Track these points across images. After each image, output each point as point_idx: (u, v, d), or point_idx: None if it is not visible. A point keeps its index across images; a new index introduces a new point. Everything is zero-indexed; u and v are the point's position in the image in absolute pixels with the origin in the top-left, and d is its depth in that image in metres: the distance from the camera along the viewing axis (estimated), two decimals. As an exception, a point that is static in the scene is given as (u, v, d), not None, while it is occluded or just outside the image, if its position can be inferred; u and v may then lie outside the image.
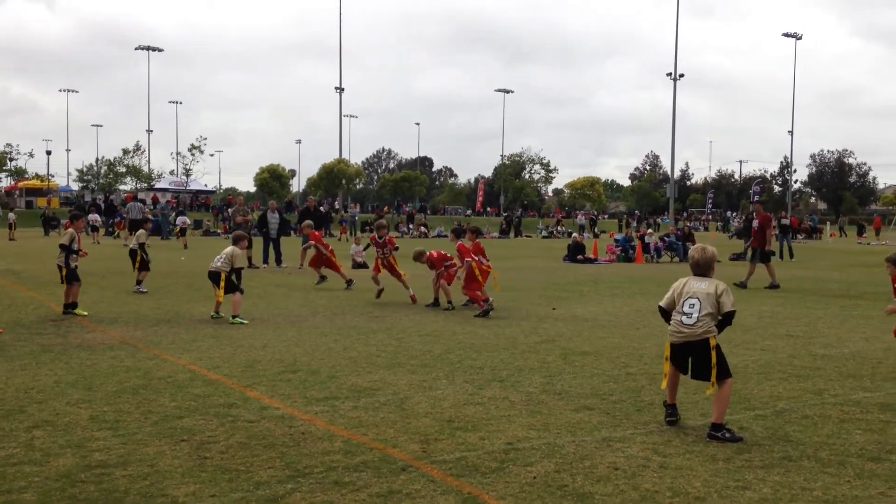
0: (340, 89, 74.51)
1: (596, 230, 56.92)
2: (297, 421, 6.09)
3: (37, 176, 75.93)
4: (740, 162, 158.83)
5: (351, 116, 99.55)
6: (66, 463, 5.01)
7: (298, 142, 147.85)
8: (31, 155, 77.40)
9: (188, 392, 6.97)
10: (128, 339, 9.70)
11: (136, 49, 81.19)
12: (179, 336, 10.03)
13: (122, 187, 75.67)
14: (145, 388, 7.09)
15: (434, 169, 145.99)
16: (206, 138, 75.02)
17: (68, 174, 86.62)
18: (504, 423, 6.11)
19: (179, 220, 40.49)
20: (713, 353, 5.84)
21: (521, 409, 6.53)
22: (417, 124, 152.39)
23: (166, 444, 5.43)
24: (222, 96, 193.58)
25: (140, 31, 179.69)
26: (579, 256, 27.01)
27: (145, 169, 75.14)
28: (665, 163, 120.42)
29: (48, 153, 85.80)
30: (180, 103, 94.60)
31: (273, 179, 77.52)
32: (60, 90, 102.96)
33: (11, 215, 41.87)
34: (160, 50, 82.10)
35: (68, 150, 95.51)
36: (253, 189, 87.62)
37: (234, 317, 11.25)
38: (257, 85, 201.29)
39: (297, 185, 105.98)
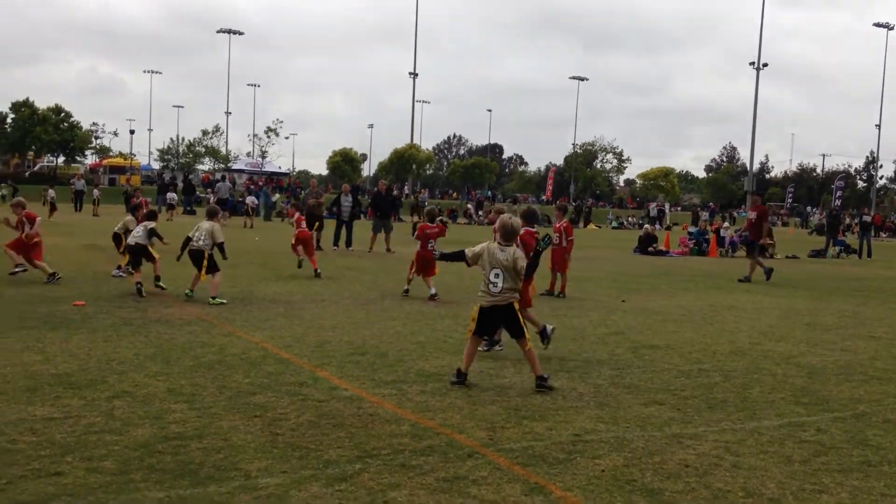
0: (414, 74, 74.87)
1: (667, 222, 55.85)
2: (365, 402, 6.16)
3: (120, 154, 78.57)
4: (823, 156, 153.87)
5: (423, 102, 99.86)
6: (144, 433, 5.18)
7: (371, 126, 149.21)
8: (115, 134, 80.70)
9: (261, 369, 7.12)
10: (204, 316, 9.96)
11: (217, 32, 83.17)
12: (253, 314, 10.25)
13: (200, 167, 77.76)
14: (220, 364, 7.28)
15: (504, 156, 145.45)
16: (281, 121, 76.59)
17: (150, 153, 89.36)
18: (572, 414, 6.06)
19: (249, 199, 41.21)
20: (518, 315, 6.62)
21: (588, 401, 6.46)
22: (489, 111, 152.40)
23: (240, 420, 5.57)
24: (299, 80, 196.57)
25: (224, 14, 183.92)
26: (651, 248, 26.56)
27: (223, 150, 76.99)
28: (743, 155, 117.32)
29: (131, 132, 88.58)
30: (258, 86, 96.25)
31: (345, 163, 78.44)
32: (145, 71, 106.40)
33: (96, 192, 43.45)
34: (241, 33, 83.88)
35: (150, 130, 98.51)
36: (325, 172, 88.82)
37: (212, 297, 11.06)
38: (333, 69, 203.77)
39: (368, 169, 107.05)
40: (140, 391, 6.23)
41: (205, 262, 11.39)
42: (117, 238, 14.34)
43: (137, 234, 12.57)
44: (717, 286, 16.24)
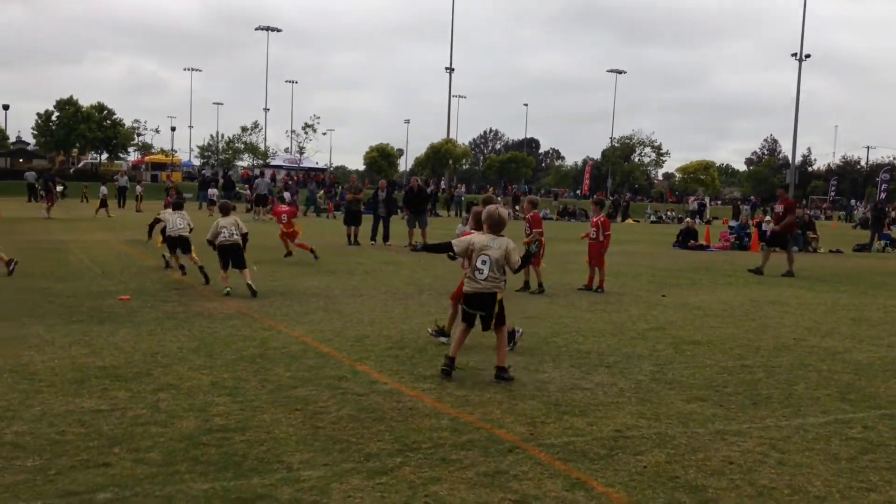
0: (450, 69, 74.76)
1: (707, 216, 55.14)
2: (404, 396, 6.18)
3: (162, 151, 79.77)
4: (867, 148, 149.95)
5: (459, 97, 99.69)
6: (188, 425, 5.26)
7: (407, 121, 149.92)
8: (157, 131, 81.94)
9: (301, 363, 7.19)
10: (245, 310, 10.07)
11: (256, 29, 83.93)
12: (293, 309, 10.34)
13: (239, 163, 78.62)
14: (261, 358, 7.36)
15: (540, 150, 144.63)
16: (319, 117, 77.08)
17: (190, 150, 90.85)
18: (612, 409, 6.02)
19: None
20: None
21: (629, 397, 6.41)
22: (525, 105, 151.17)
23: (282, 413, 5.63)
24: (336, 76, 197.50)
25: (263, 12, 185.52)
26: (691, 242, 26.25)
27: (261, 146, 77.78)
28: (785, 147, 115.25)
29: (173, 129, 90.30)
30: (296, 82, 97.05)
31: (382, 158, 78.67)
32: (185, 69, 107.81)
33: (139, 188, 44.15)
34: (279, 30, 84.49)
35: (191, 127, 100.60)
36: (362, 167, 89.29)
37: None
38: (370, 65, 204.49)
39: (405, 164, 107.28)
40: (184, 384, 6.33)
41: (244, 254, 11.67)
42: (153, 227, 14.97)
43: (180, 226, 12.91)
44: (759, 281, 15.99)
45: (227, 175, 57.25)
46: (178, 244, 13.18)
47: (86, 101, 75.75)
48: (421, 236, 22.09)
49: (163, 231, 14.00)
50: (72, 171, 66.71)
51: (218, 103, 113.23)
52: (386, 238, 22.30)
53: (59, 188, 39.50)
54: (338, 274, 14.46)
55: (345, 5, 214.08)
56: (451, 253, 7.11)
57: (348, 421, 5.48)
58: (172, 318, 9.34)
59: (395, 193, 26.31)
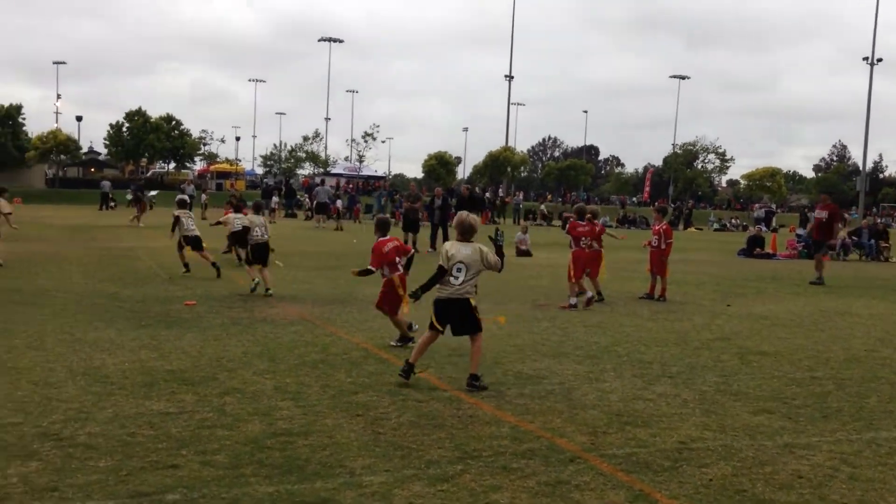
0: (510, 77, 74.75)
1: (774, 224, 53.81)
2: (464, 404, 6.18)
3: (227, 160, 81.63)
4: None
5: (518, 104, 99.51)
6: (253, 429, 5.36)
7: (465, 129, 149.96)
8: (222, 141, 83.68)
9: (362, 369, 7.26)
10: (306, 316, 10.22)
11: (319, 41, 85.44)
12: (353, 315, 10.45)
13: (300, 172, 79.94)
14: (323, 363, 7.45)
15: (600, 158, 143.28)
16: (378, 126, 77.60)
17: (253, 159, 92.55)
18: (676, 420, 5.92)
19: (339, 202, 41.44)
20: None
21: (694, 408, 6.29)
22: (585, 112, 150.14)
23: (343, 418, 5.69)
24: (395, 85, 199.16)
25: (325, 24, 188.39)
26: (756, 251, 25.66)
27: (322, 155, 78.94)
28: (855, 153, 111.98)
29: (237, 139, 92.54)
30: (356, 92, 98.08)
31: (440, 166, 78.99)
32: (250, 80, 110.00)
33: (204, 196, 45.20)
34: (341, 41, 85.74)
35: (254, 137, 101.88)
36: (420, 175, 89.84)
37: (268, 290, 12.06)
38: (429, 74, 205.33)
39: (463, 172, 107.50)
40: (249, 388, 6.45)
41: (271, 252, 12.44)
42: (233, 236, 15.45)
43: (192, 228, 14.42)
44: (829, 291, 15.54)
45: (288, 183, 58.19)
46: (191, 243, 14.52)
47: (155, 113, 78.16)
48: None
49: (234, 236, 14.73)
50: (142, 180, 68.69)
51: (281, 113, 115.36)
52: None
53: (152, 194, 40.58)
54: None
55: (406, 15, 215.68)
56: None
57: (409, 427, 5.51)
58: (237, 323, 9.53)
59: (450, 200, 26.38)
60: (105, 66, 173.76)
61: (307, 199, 45.35)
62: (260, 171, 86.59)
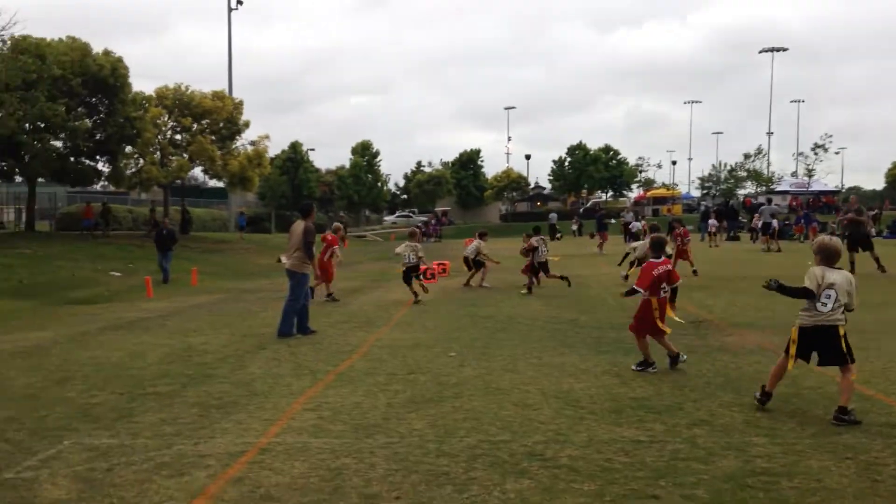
0: None
1: None
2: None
3: (663, 185, 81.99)
4: None
5: None
6: (729, 465, 5.13)
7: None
8: (658, 166, 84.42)
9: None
10: (766, 345, 9.61)
11: (759, 52, 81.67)
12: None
13: (740, 192, 76.77)
14: (795, 398, 6.90)
15: None
16: (831, 135, 71.13)
17: (689, 181, 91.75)
18: None
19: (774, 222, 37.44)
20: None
21: None
22: None
23: (829, 460, 5.16)
24: (847, 90, 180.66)
25: (766, 33, 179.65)
26: None
27: (765, 172, 74.90)
28: None
29: (673, 163, 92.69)
30: (803, 101, 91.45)
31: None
32: (685, 102, 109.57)
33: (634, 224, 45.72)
34: (784, 50, 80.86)
35: (690, 159, 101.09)
36: (881, 186, 79.87)
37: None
38: (884, 75, 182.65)
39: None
40: (717, 420, 6.22)
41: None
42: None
43: (411, 259, 15.30)
44: None
45: (728, 204, 56.18)
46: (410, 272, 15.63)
47: (593, 145, 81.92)
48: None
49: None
50: (581, 210, 72.35)
51: (718, 132, 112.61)
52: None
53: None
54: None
55: (855, 13, 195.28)
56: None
57: (914, 478, 4.78)
58: (693, 351, 9.33)
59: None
60: (548, 107, 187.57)
61: (755, 221, 43.04)
62: (697, 193, 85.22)
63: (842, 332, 6.29)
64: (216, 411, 6.92)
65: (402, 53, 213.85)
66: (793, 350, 6.39)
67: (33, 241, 27.28)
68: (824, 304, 6.31)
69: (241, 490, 4.88)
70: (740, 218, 49.46)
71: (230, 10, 50.00)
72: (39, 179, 31.88)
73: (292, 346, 10.36)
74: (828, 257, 6.49)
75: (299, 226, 11.56)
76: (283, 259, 17.23)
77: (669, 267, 8.63)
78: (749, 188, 76.33)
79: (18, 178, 32.67)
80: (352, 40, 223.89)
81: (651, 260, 8.65)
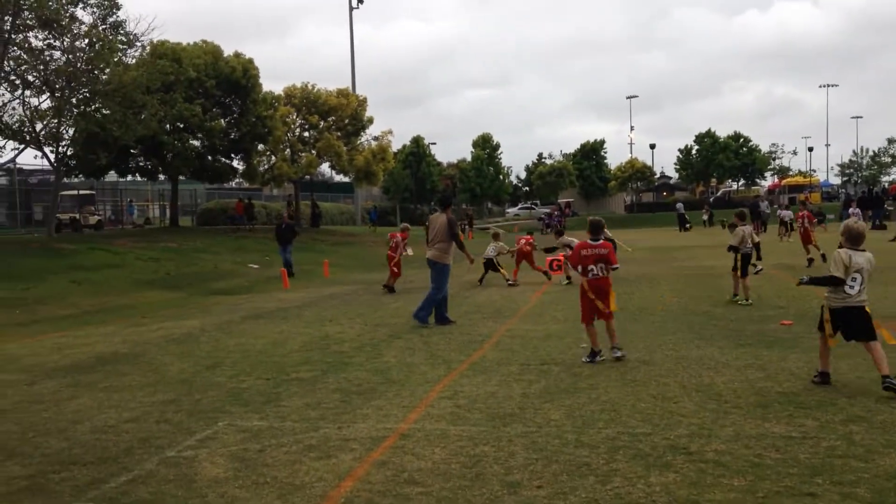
0: None
1: None
2: None
3: (799, 172, 78.10)
4: None
5: None
6: (892, 463, 4.84)
7: None
8: (794, 153, 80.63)
9: None
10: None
11: (898, 30, 76.38)
12: None
13: (884, 178, 72.09)
14: (962, 395, 6.41)
15: None
16: None
17: (828, 168, 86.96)
18: None
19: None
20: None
21: None
22: None
23: None
24: None
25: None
26: None
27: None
28: None
29: (810, 149, 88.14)
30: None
31: None
32: (821, 86, 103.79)
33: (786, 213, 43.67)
34: (926, 25, 75.29)
35: (827, 145, 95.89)
36: None
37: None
38: None
39: None
40: (875, 417, 5.88)
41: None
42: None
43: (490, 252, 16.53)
44: None
45: (871, 191, 52.84)
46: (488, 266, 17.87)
47: (723, 132, 78.89)
48: None
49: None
50: (711, 199, 69.91)
51: (857, 117, 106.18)
52: None
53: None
54: None
55: None
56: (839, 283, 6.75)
57: None
58: (842, 345, 8.79)
59: None
60: (672, 94, 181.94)
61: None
62: (836, 180, 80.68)
63: (868, 310, 6.71)
64: (357, 397, 7.13)
65: (520, 45, 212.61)
66: (829, 329, 6.84)
67: (177, 236, 28.93)
68: (851, 287, 6.67)
69: (386, 473, 5.01)
70: (886, 206, 46.47)
71: (351, 8, 51.23)
72: (181, 177, 33.67)
73: (425, 336, 10.54)
74: (852, 239, 6.81)
75: (440, 218, 11.69)
76: (409, 251, 17.84)
77: (603, 251, 8.58)
78: (894, 174, 71.61)
79: (162, 177, 34.65)
80: (470, 34, 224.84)
81: (587, 241, 8.69)
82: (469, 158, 78.97)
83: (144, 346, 10.69)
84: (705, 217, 50.87)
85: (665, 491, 4.52)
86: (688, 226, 46.95)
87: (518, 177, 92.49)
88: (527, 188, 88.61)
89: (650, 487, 4.59)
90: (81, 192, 37.25)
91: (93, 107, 25.93)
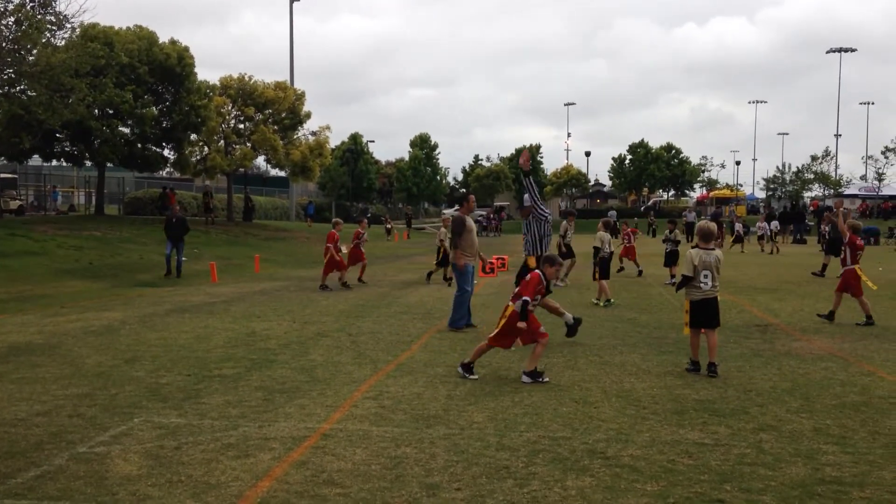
0: None
1: None
2: None
3: (727, 185, 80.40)
4: None
5: None
6: (798, 472, 5.01)
7: None
8: (722, 166, 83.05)
9: (917, 417, 6.33)
10: (836, 352, 9.36)
11: (827, 52, 79.25)
12: (893, 353, 9.26)
13: (807, 194, 74.81)
14: (866, 406, 6.70)
15: None
16: (902, 139, 68.72)
17: (754, 182, 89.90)
18: None
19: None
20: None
21: None
22: None
23: (903, 472, 5.00)
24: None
25: (835, 32, 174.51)
26: None
27: (833, 175, 72.79)
28: None
29: (737, 163, 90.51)
30: (872, 104, 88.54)
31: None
32: (750, 102, 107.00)
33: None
34: (853, 50, 78.26)
35: (754, 160, 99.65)
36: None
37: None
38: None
39: None
40: (784, 426, 6.08)
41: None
42: None
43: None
44: None
45: (795, 206, 54.79)
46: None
47: (656, 143, 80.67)
48: None
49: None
50: (642, 209, 71.35)
51: (783, 133, 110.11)
52: None
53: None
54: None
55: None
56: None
57: None
58: (758, 355, 9.14)
59: None
60: (610, 103, 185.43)
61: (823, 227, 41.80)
62: (761, 194, 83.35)
63: (718, 299, 8.07)
64: (280, 395, 7.04)
65: (463, 47, 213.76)
66: (686, 318, 8.11)
67: (102, 224, 28.11)
68: (705, 283, 7.93)
69: (305, 474, 4.96)
70: (807, 221, 48.25)
71: (291, 1, 50.60)
72: (108, 164, 32.70)
73: (353, 335, 10.48)
74: (703, 238, 8.09)
75: (455, 217, 11.50)
76: (344, 249, 17.85)
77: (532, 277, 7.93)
78: (816, 191, 74.36)
79: (88, 163, 33.60)
80: (414, 33, 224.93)
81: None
82: (407, 158, 78.91)
83: (61, 337, 10.36)
84: (653, 227, 51.75)
85: (580, 495, 4.59)
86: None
87: (455, 178, 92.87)
88: (463, 189, 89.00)
89: (566, 491, 4.66)
90: (2, 175, 35.94)
91: (17, 88, 24.98)
